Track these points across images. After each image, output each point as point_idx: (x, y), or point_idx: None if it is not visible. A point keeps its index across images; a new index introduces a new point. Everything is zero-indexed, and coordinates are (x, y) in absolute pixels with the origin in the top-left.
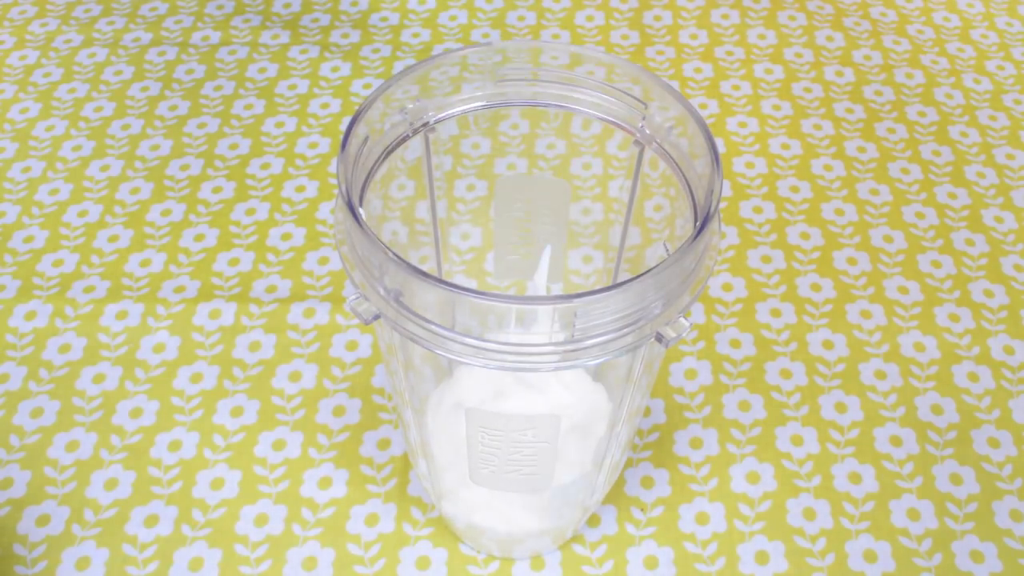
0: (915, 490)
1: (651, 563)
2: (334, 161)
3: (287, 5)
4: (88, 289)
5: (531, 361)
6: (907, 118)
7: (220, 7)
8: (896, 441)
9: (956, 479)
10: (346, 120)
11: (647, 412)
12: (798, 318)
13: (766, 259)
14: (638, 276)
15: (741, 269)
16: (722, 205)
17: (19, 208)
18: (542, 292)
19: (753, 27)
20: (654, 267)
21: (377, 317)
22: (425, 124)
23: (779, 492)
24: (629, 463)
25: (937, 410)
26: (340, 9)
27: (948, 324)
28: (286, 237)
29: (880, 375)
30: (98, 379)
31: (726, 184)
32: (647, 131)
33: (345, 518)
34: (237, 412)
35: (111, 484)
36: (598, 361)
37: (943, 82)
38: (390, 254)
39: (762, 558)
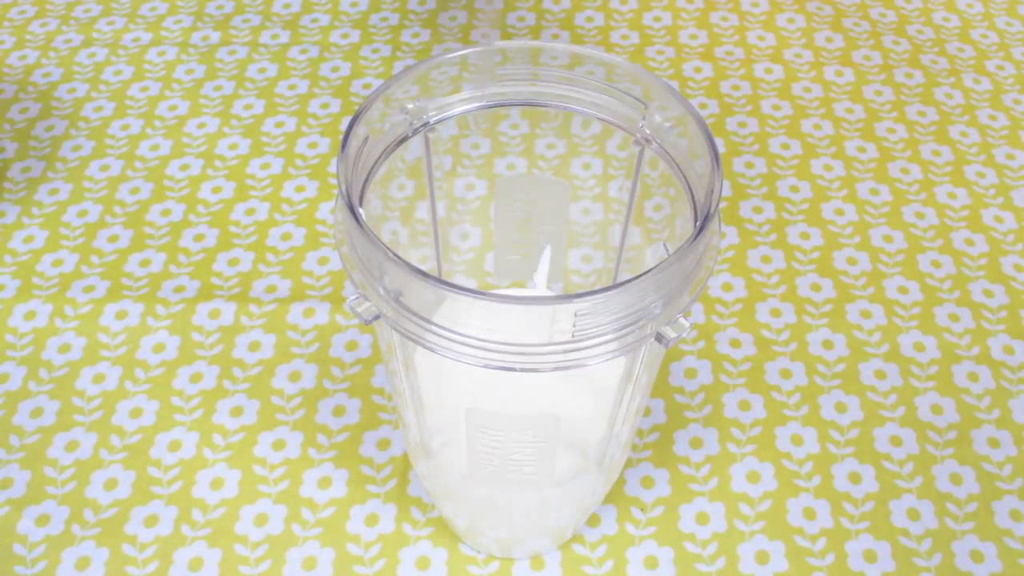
0: (915, 490)
1: (651, 563)
2: (334, 161)
3: (287, 5)
4: (88, 289)
5: (531, 361)
6: (907, 118)
7: (220, 7)
8: (896, 441)
9: (956, 479)
10: (346, 120)
11: (647, 412)
12: (798, 318)
13: (766, 259)
14: (638, 276)
15: (741, 269)
16: (722, 205)
17: (19, 208)
18: (542, 292)
19: (752, 29)
20: (654, 267)
21: (377, 317)
22: (425, 124)
23: (779, 492)
24: (629, 463)
25: (937, 410)
26: (340, 9)
27: (948, 324)
28: (286, 237)
29: (880, 375)
30: (98, 379)
31: (726, 184)
32: (647, 131)
33: (345, 518)
34: (237, 412)
35: (111, 484)
36: (598, 361)
37: (943, 82)
38: (390, 254)
39: (762, 558)
